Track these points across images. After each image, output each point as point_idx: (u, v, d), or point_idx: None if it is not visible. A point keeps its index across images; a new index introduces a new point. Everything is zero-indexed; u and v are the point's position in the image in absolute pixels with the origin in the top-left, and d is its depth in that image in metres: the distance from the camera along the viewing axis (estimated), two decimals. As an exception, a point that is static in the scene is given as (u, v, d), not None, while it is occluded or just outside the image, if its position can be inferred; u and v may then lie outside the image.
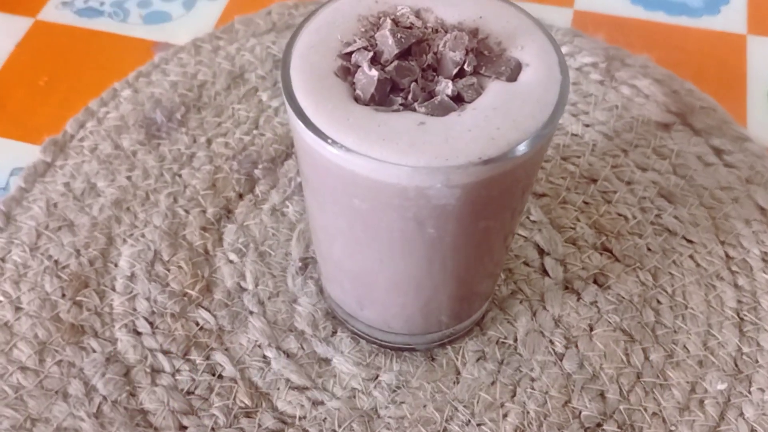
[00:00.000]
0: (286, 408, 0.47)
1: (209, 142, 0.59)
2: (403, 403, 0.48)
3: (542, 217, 0.56)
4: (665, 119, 0.62)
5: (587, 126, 0.62)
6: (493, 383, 0.49)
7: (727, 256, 0.55)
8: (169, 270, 0.52)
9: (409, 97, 0.38)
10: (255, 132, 0.60)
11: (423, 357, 0.50)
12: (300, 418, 0.47)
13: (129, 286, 0.52)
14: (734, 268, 0.55)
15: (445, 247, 0.42)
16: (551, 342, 0.51)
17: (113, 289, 0.52)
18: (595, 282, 0.53)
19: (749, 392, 0.49)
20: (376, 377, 0.49)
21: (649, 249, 0.55)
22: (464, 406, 0.48)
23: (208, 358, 0.49)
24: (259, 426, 0.47)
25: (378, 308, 0.48)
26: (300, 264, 0.53)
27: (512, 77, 0.39)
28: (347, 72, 0.39)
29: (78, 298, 0.51)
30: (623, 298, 0.53)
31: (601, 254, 0.55)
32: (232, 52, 0.65)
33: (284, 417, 0.47)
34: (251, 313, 0.51)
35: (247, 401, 0.47)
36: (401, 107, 0.38)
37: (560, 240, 0.55)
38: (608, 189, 0.58)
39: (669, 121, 0.62)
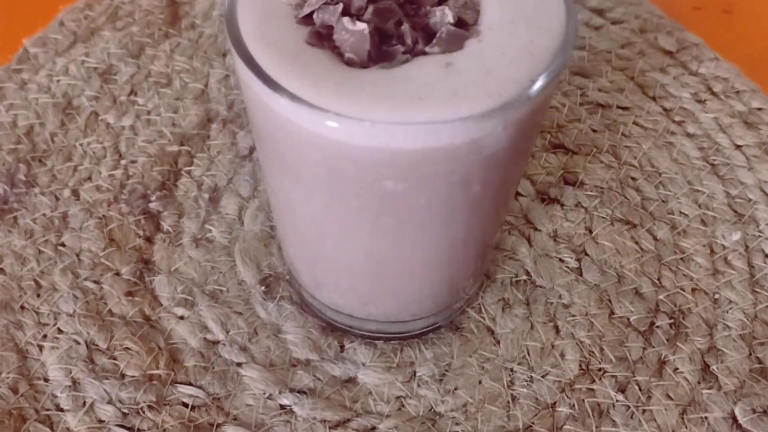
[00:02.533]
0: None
1: (75, 193, 0.47)
2: (456, 389, 0.41)
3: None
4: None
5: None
6: (532, 327, 0.43)
7: (664, 109, 0.53)
8: (115, 358, 0.41)
9: (407, 40, 0.31)
10: (123, 162, 0.49)
11: (450, 332, 0.43)
12: (339, 450, 0.39)
13: (77, 397, 0.40)
14: (677, 118, 0.52)
15: (486, 203, 0.35)
16: (561, 260, 0.45)
17: (59, 409, 0.40)
18: (566, 183, 0.49)
19: (760, 231, 0.47)
20: (414, 374, 0.41)
21: (593, 130, 0.51)
22: (518, 364, 0.42)
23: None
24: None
25: (395, 299, 0.40)
26: (263, 288, 0.44)
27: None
28: (321, 37, 0.31)
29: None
30: (601, 188, 0.48)
31: (555, 153, 0.50)
32: (44, 82, 0.52)
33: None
34: (239, 365, 0.41)
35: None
36: (407, 55, 0.30)
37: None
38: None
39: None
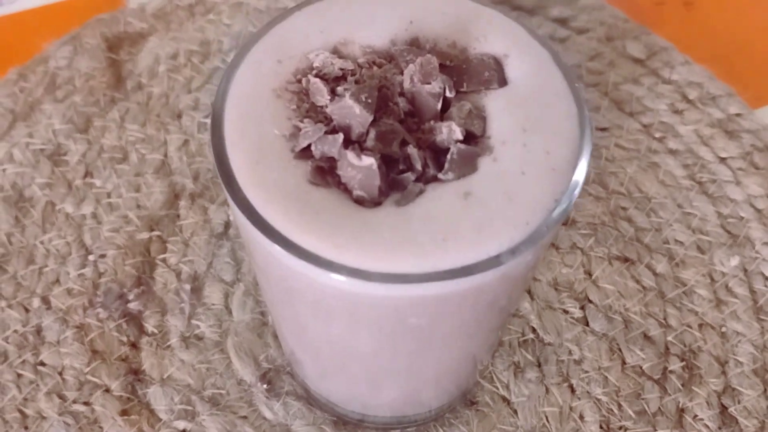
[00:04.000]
0: None
1: (46, 301, 0.44)
2: (480, 470, 0.40)
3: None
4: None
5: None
6: (547, 391, 0.42)
7: (643, 125, 0.51)
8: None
9: (417, 165, 0.28)
10: (91, 257, 0.45)
11: (465, 408, 0.41)
12: None
13: None
14: (657, 134, 0.51)
15: (508, 312, 0.34)
16: (565, 311, 0.44)
17: None
18: (558, 223, 0.47)
19: (757, 252, 0.46)
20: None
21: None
22: (539, 433, 0.41)
23: None
24: None
25: (408, 399, 0.39)
26: (265, 385, 0.41)
27: (502, 80, 0.31)
28: (323, 173, 0.28)
29: None
30: (594, 224, 0.47)
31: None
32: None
33: None
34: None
35: None
36: (420, 184, 0.28)
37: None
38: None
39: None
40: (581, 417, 0.41)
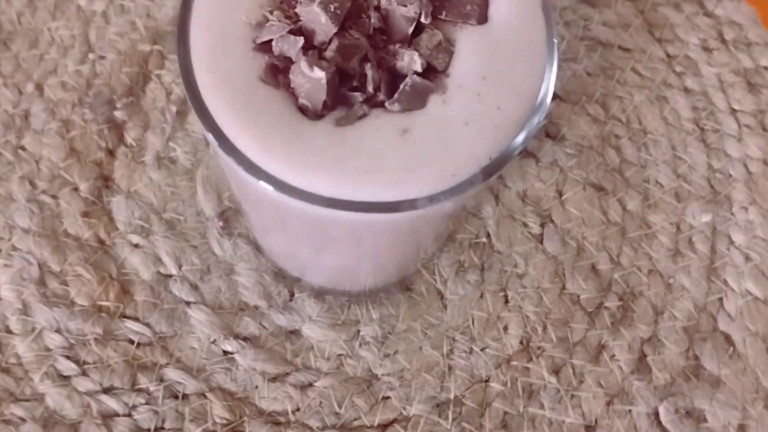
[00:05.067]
0: (273, 406, 0.41)
1: (40, 88, 0.46)
2: (396, 353, 0.42)
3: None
4: None
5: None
6: (481, 296, 0.43)
7: (668, 56, 0.50)
8: (67, 284, 0.42)
9: (369, 87, 0.28)
10: (91, 56, 0.46)
11: (399, 291, 0.43)
12: (293, 412, 0.41)
13: (26, 321, 0.41)
14: (678, 68, 0.49)
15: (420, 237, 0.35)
16: (525, 225, 0.45)
17: (9, 332, 0.41)
18: (548, 135, 0.47)
19: (732, 214, 0.46)
20: (358, 333, 0.42)
21: (588, 74, 0.49)
22: (461, 333, 0.43)
23: (161, 379, 0.41)
24: (255, 439, 0.40)
25: (343, 259, 0.40)
26: (221, 222, 0.44)
27: (482, 16, 0.30)
28: (276, 72, 0.29)
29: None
30: (582, 146, 0.47)
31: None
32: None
33: (275, 417, 0.41)
34: (188, 304, 0.42)
35: (228, 415, 0.40)
36: (365, 106, 0.28)
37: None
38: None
39: None
40: (505, 328, 0.43)
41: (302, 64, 0.27)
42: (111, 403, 0.40)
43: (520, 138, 0.28)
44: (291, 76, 0.28)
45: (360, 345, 0.42)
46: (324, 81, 0.27)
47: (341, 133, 0.28)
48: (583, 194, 0.46)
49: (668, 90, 0.49)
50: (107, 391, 0.40)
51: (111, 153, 0.45)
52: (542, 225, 0.45)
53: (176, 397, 0.41)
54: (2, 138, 0.44)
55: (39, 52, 0.46)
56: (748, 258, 0.45)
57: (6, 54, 0.46)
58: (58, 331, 0.41)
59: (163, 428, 0.40)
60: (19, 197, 0.43)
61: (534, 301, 0.43)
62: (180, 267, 0.43)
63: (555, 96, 0.47)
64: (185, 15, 0.29)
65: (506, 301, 0.43)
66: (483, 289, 0.43)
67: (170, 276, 0.43)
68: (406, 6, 0.29)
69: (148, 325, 0.42)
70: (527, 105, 0.29)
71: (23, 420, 0.39)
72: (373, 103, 0.28)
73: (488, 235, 0.45)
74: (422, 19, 0.29)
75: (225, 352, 0.41)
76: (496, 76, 0.29)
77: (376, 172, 0.27)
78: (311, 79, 0.28)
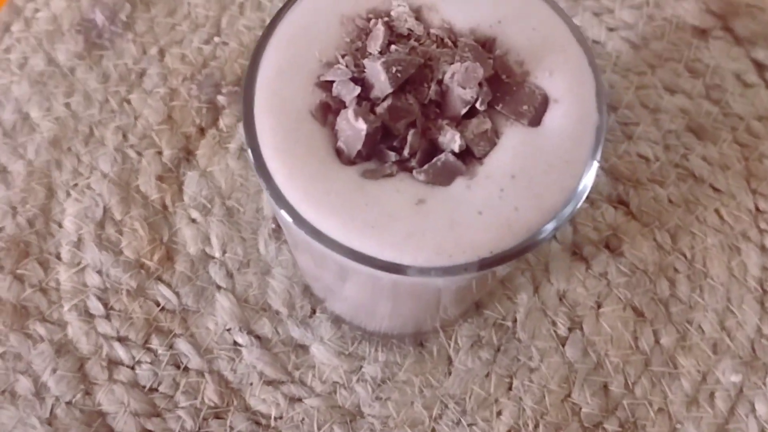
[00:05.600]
0: (260, 407, 0.43)
1: (162, 53, 0.49)
2: (388, 399, 0.43)
3: (552, 161, 0.49)
4: (703, 22, 0.53)
5: (611, 30, 0.52)
6: (487, 375, 0.44)
7: (756, 209, 0.49)
8: (122, 233, 0.45)
9: (405, 151, 0.30)
10: (216, 39, 0.50)
11: (412, 343, 0.45)
12: (275, 419, 0.43)
13: (76, 254, 0.45)
14: (763, 225, 0.49)
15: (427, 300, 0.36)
16: (554, 323, 0.45)
17: (58, 258, 0.45)
18: (607, 246, 0.47)
19: (764, 383, 0.45)
20: (360, 369, 0.44)
21: (670, 201, 0.49)
22: (455, 403, 0.44)
23: (171, 347, 0.44)
24: (231, 429, 0.42)
25: (361, 295, 0.42)
26: (273, 225, 0.46)
27: (535, 120, 0.31)
28: (327, 110, 0.31)
29: (19, 271, 0.44)
30: (637, 267, 0.47)
31: (615, 209, 0.48)
32: None
33: (258, 417, 0.43)
34: (219, 288, 0.45)
35: (217, 400, 0.43)
36: (395, 167, 0.30)
37: (571, 192, 0.48)
38: (630, 120, 0.50)
39: (708, 26, 0.53)
40: (499, 413, 0.44)
41: (350, 112, 0.29)
42: (120, 352, 0.43)
43: (525, 241, 0.29)
44: (338, 119, 0.30)
45: (358, 380, 0.44)
46: (364, 133, 0.29)
47: (363, 184, 0.29)
48: (621, 314, 0.46)
49: (744, 242, 0.48)
50: (121, 340, 0.43)
51: (202, 131, 0.48)
52: (570, 329, 0.45)
53: (178, 367, 0.43)
54: (114, 87, 0.48)
55: (172, 22, 0.50)
56: (763, 430, 0.44)
57: (144, 14, 0.50)
58: (99, 272, 0.44)
59: (157, 390, 0.43)
60: (109, 144, 0.47)
61: (536, 397, 0.44)
62: (224, 252, 0.45)
63: (630, 212, 0.48)
64: (267, 35, 0.31)
65: (510, 388, 0.44)
66: (491, 369, 0.44)
67: (212, 258, 0.45)
68: (465, 89, 0.30)
69: (177, 294, 0.44)
70: (546, 214, 0.30)
71: (42, 339, 0.43)
72: (403, 166, 0.30)
73: (515, 320, 0.45)
74: (477, 105, 0.30)
75: (235, 343, 0.44)
76: (524, 179, 0.30)
77: (381, 228, 0.29)
78: (354, 127, 0.29)
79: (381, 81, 0.30)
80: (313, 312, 0.45)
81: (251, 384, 0.43)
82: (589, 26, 0.52)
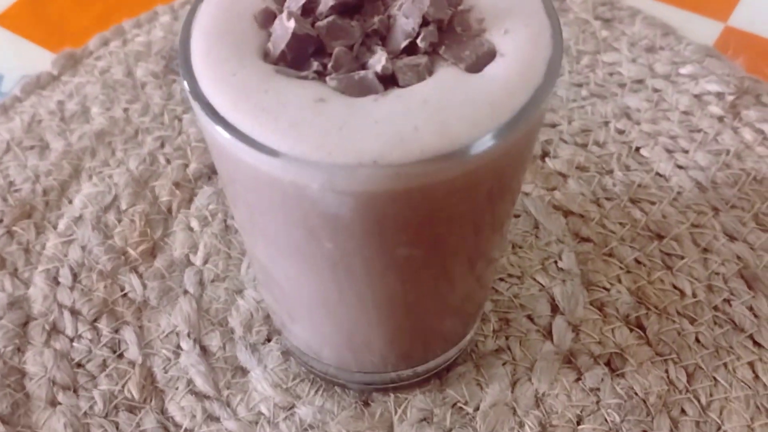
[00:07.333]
0: (175, 413, 0.40)
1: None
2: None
3: (573, 267, 0.44)
4: (786, 181, 0.48)
5: (680, 167, 0.49)
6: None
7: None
8: (120, 221, 0.46)
9: (330, 64, 0.29)
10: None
11: (356, 399, 0.40)
12: (186, 430, 0.39)
13: (71, 228, 0.46)
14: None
15: (354, 270, 0.32)
16: (521, 424, 0.39)
17: (54, 228, 0.46)
18: (608, 364, 0.41)
19: None
20: (292, 407, 0.40)
21: (698, 340, 0.42)
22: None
23: (116, 331, 0.42)
24: (137, 426, 0.39)
25: (306, 328, 0.39)
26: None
27: (475, 67, 0.29)
28: (271, 18, 0.30)
29: (14, 228, 0.46)
30: (636, 393, 0.40)
31: (630, 331, 0.42)
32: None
33: (169, 424, 0.39)
34: (186, 293, 0.43)
35: (136, 393, 0.40)
36: (315, 74, 0.29)
37: (584, 300, 0.43)
38: (674, 252, 0.45)
39: (789, 185, 0.48)
40: (426, 499, 0.37)
41: (285, 13, 0.29)
42: (67, 321, 0.42)
43: (416, 154, 0.26)
44: (273, 24, 0.30)
45: (285, 418, 0.39)
46: (290, 32, 0.28)
47: (273, 76, 0.28)
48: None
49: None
50: (73, 312, 0.43)
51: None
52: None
53: (114, 352, 0.42)
54: (173, 106, 0.51)
55: None
56: None
57: None
58: (83, 247, 0.45)
59: (83, 366, 0.41)
60: (145, 147, 0.49)
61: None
62: (205, 262, 0.45)
63: (642, 335, 0.42)
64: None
65: None
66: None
67: (192, 264, 0.45)
68: (408, 19, 0.29)
69: (144, 286, 0.44)
70: (445, 145, 0.27)
71: (2, 290, 0.43)
72: (323, 79, 0.29)
73: (477, 408, 0.40)
74: (418, 42, 0.29)
75: (178, 346, 0.42)
76: (436, 105, 0.27)
77: (271, 113, 0.27)
78: (283, 27, 0.29)
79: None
80: (268, 341, 0.42)
81: (177, 389, 0.40)
82: (656, 159, 0.49)
